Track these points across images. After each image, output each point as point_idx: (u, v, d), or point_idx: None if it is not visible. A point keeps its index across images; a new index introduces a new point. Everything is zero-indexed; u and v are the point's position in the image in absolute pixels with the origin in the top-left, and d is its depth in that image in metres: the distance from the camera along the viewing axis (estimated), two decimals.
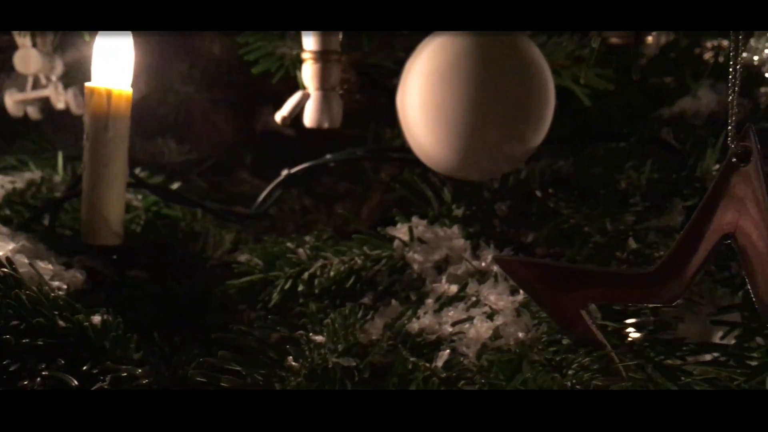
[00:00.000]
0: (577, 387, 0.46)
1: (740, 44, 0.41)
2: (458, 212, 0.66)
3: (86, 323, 0.46)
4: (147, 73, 0.91)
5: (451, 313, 0.54)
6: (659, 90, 0.92)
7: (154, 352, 0.50)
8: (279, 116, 0.64)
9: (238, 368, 0.46)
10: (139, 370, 0.44)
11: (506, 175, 0.71)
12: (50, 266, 0.53)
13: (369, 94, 0.84)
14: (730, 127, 0.42)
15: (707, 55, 0.91)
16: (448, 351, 0.50)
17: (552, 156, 0.75)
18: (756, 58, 0.81)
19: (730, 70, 0.41)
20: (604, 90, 0.76)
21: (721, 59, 0.88)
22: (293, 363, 0.49)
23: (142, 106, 0.92)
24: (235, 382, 0.44)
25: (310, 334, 0.51)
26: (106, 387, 0.43)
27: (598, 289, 0.47)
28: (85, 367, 0.44)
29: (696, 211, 0.44)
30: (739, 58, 0.41)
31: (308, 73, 0.63)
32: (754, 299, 0.45)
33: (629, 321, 0.54)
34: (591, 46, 0.51)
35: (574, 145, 0.75)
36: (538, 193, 0.69)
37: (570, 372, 0.48)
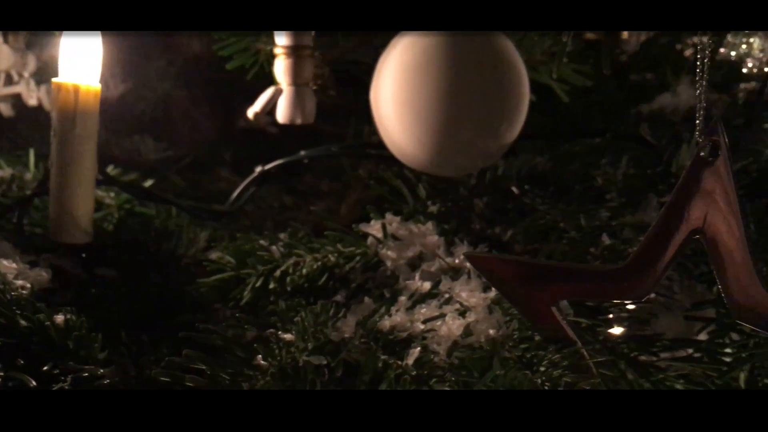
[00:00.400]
0: (547, 385, 0.45)
1: (709, 41, 0.41)
2: (434, 209, 0.66)
3: (47, 322, 0.45)
4: (123, 70, 0.90)
5: (424, 311, 0.54)
6: (640, 86, 0.92)
7: (120, 352, 0.49)
8: (251, 112, 0.64)
9: (203, 368, 0.45)
10: (102, 371, 0.43)
11: (483, 171, 0.70)
12: (14, 265, 0.52)
13: (350, 90, 0.84)
14: (698, 122, 0.42)
15: (687, 52, 0.91)
16: (418, 349, 0.50)
17: (532, 152, 0.75)
18: (733, 53, 0.81)
19: (698, 64, 0.41)
20: (585, 86, 0.76)
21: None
22: (262, 362, 0.49)
23: (118, 102, 0.91)
24: (200, 382, 0.43)
25: (279, 332, 0.50)
26: (66, 388, 0.42)
27: (567, 286, 0.47)
28: (46, 368, 0.43)
29: (665, 207, 0.44)
30: (707, 52, 0.40)
31: (281, 68, 0.62)
32: (723, 296, 0.44)
33: (605, 317, 0.55)
34: (562, 41, 0.50)
35: (551, 142, 0.74)
36: (515, 190, 0.69)
37: (541, 369, 0.47)
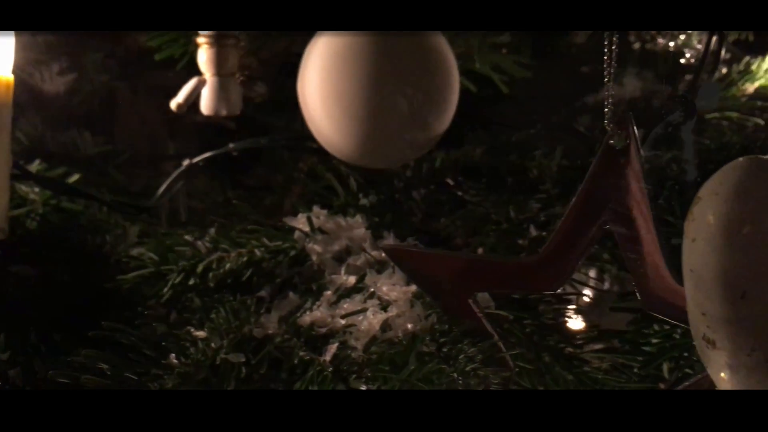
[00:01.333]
0: (460, 379, 0.45)
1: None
2: (365, 201, 0.65)
3: None
4: (60, 62, 0.87)
5: (346, 305, 0.53)
6: (588, 77, 0.92)
7: (26, 352, 0.47)
8: (174, 103, 0.62)
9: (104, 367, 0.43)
10: None
11: (419, 163, 0.70)
12: None
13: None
14: (607, 110, 0.41)
15: (635, 44, 0.91)
16: (336, 344, 0.49)
17: (473, 143, 0.74)
18: (672, 44, 0.81)
19: (605, 51, 0.40)
20: (531, 77, 0.76)
21: (648, 46, 0.88)
22: (174, 360, 0.47)
23: (55, 96, 0.89)
24: (97, 382, 0.42)
25: (193, 329, 0.49)
26: None
27: (482, 278, 0.46)
28: None
29: (575, 197, 0.43)
30: (614, 39, 0.40)
31: (203, 58, 0.60)
32: (634, 285, 0.44)
33: (533, 309, 0.54)
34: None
35: (488, 133, 0.74)
36: (450, 182, 0.68)
37: (459, 362, 0.47)
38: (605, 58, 0.40)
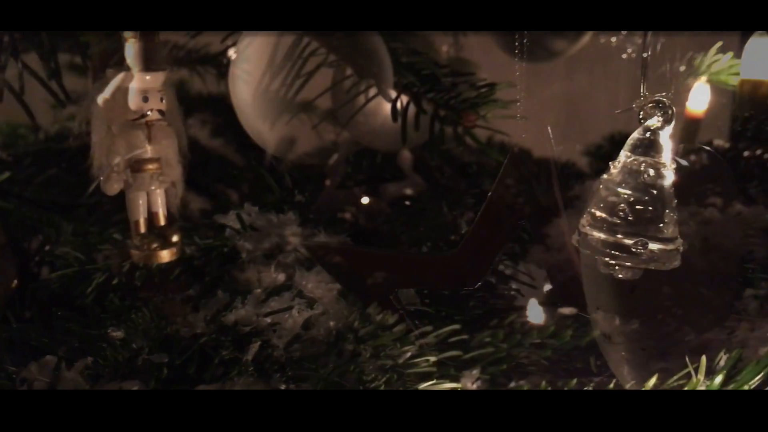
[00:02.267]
0: (386, 376, 0.44)
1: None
2: (300, 198, 0.64)
3: None
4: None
5: (273, 304, 0.52)
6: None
7: None
8: (101, 99, 0.60)
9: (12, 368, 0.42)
10: None
11: (360, 159, 0.69)
12: None
13: None
14: (519, 104, 0.41)
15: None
16: (258, 343, 0.48)
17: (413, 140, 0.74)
18: (614, 39, 0.81)
19: (516, 44, 0.40)
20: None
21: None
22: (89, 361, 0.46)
23: None
24: (5, 384, 0.40)
25: (111, 329, 0.48)
26: None
27: (402, 274, 0.46)
28: None
29: (491, 191, 0.43)
30: (525, 33, 0.39)
31: (131, 53, 0.59)
32: (549, 281, 0.44)
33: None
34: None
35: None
36: (388, 176, 0.68)
37: (380, 359, 0.46)
38: (516, 51, 0.40)
